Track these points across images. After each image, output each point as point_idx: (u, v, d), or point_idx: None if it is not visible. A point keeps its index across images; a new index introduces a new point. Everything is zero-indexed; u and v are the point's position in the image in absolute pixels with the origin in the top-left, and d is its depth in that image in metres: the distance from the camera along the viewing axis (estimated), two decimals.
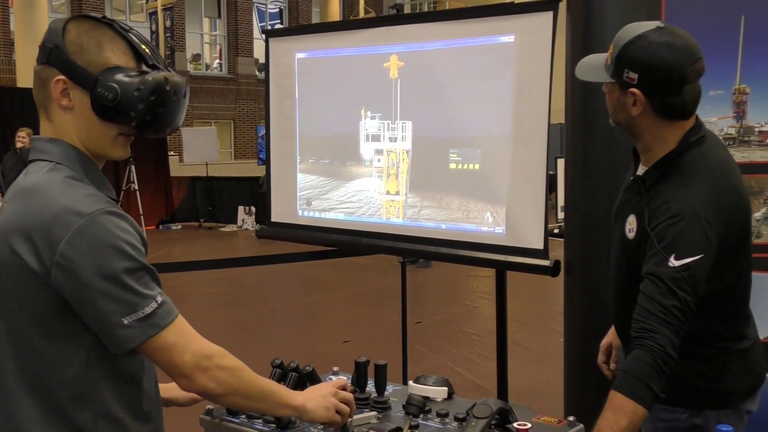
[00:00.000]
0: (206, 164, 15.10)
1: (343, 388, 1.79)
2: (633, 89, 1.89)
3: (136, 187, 13.00)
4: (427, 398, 2.05)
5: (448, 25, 3.67)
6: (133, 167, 13.02)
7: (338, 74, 4.10)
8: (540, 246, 3.39)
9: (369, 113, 3.98)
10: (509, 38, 3.46)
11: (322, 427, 1.87)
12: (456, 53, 3.66)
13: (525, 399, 4.84)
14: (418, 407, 1.82)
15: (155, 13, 16.73)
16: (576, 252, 3.34)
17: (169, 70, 1.56)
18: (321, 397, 1.72)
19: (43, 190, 1.45)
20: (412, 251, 3.92)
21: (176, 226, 14.78)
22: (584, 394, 3.20)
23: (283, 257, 10.38)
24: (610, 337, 2.33)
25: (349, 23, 4.00)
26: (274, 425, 1.88)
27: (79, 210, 1.41)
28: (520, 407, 4.51)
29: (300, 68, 4.25)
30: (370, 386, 2.07)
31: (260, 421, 1.91)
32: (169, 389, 1.86)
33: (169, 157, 15.49)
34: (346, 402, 1.75)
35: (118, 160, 1.62)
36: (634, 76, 1.87)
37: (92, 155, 1.56)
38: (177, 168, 15.76)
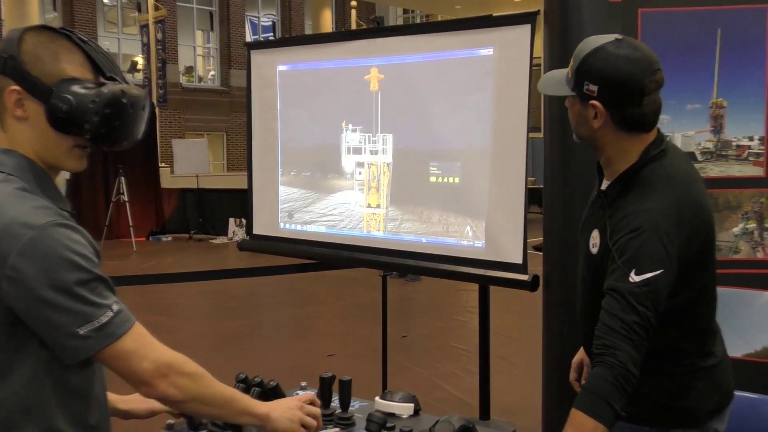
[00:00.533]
0: (197, 176, 15.07)
1: (311, 403, 1.77)
2: (593, 101, 1.88)
3: (126, 199, 12.99)
4: (392, 415, 2.02)
5: (428, 38, 3.67)
6: (122, 179, 13.00)
7: (319, 86, 4.09)
8: (519, 260, 3.38)
9: (350, 126, 3.97)
10: (488, 51, 3.45)
11: None
12: (435, 66, 3.65)
13: (508, 415, 4.82)
14: (378, 424, 1.79)
15: (146, 25, 16.72)
16: (554, 266, 3.32)
17: (127, 83, 1.55)
18: (286, 409, 1.72)
19: None
20: (393, 265, 3.90)
21: (166, 238, 14.73)
22: (562, 409, 3.16)
23: (272, 269, 10.36)
24: (582, 354, 2.31)
25: (330, 36, 4.00)
26: None
27: (29, 222, 1.39)
28: (500, 423, 4.49)
29: (282, 80, 4.24)
30: (336, 402, 2.04)
31: None
32: (127, 401, 1.85)
33: (161, 168, 15.46)
34: (312, 416, 1.74)
35: (73, 171, 1.60)
36: (594, 88, 1.86)
37: (47, 167, 1.54)
38: (168, 179, 15.73)
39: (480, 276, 3.51)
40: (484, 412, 4.71)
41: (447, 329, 7.60)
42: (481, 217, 3.49)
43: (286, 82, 4.23)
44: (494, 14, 3.47)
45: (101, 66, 1.52)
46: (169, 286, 9.67)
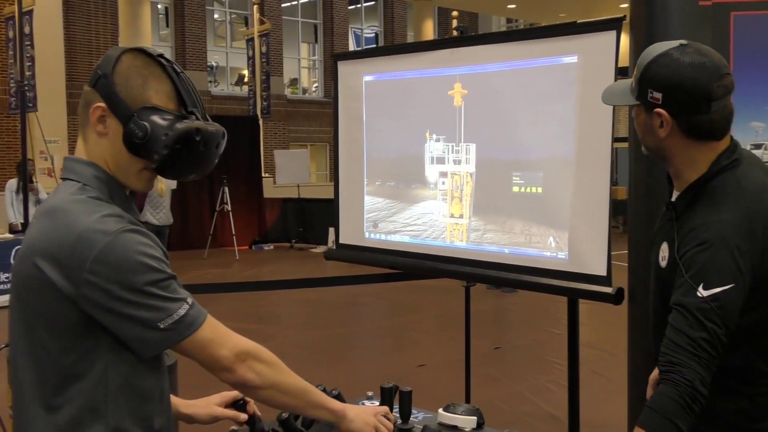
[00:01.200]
0: (298, 186, 15.34)
1: (386, 416, 1.81)
2: (658, 109, 1.81)
3: (229, 208, 13.33)
4: (455, 427, 2.00)
5: (511, 47, 3.62)
6: (226, 189, 13.35)
7: (403, 97, 4.10)
8: (603, 272, 3.29)
9: (434, 135, 3.96)
10: (572, 59, 3.38)
11: None
12: (519, 74, 3.60)
13: (600, 430, 4.69)
14: None
15: (252, 39, 17.17)
16: (639, 279, 3.21)
17: (207, 119, 1.60)
18: (363, 412, 1.77)
19: (68, 211, 1.50)
20: (475, 276, 3.86)
21: (268, 247, 15.05)
22: None
23: (368, 278, 10.40)
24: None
25: (414, 45, 4.01)
26: None
27: (104, 229, 1.46)
28: None
29: (367, 91, 4.27)
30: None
31: None
32: (190, 405, 1.89)
33: (264, 178, 15.82)
34: (386, 428, 1.78)
35: (138, 191, 1.67)
36: (659, 95, 1.80)
37: (117, 181, 1.61)
38: (271, 189, 16.08)
39: (563, 288, 3.43)
40: (573, 428, 4.60)
41: (541, 342, 7.46)
42: (564, 228, 3.42)
43: (371, 93, 4.25)
44: (579, 21, 3.40)
45: (185, 99, 1.58)
46: (267, 293, 9.86)
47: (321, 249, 14.52)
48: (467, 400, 4.26)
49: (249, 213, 14.97)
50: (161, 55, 1.60)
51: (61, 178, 1.61)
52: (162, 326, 1.48)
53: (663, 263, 1.89)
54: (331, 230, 15.73)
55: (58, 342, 1.48)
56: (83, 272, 1.44)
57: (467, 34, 3.92)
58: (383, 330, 8.41)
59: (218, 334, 1.55)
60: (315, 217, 15.07)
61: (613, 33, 3.22)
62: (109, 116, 1.55)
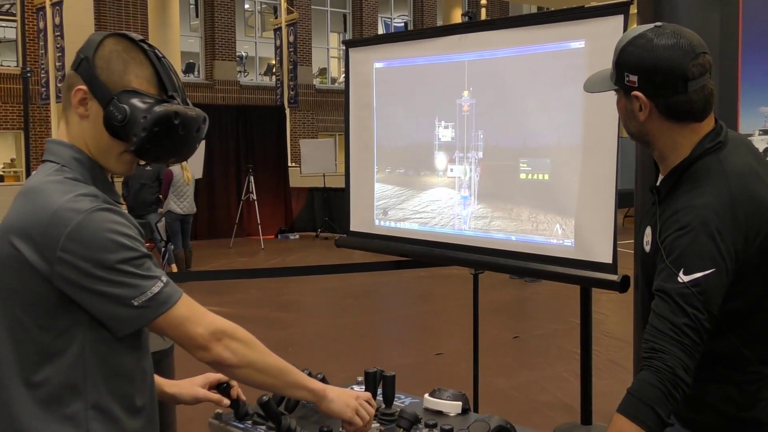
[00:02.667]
0: (324, 175, 15.37)
1: (368, 402, 1.80)
2: (636, 92, 1.78)
3: (255, 198, 13.39)
4: (440, 413, 1.99)
5: (519, 32, 3.59)
6: (252, 178, 13.41)
7: (413, 83, 4.08)
8: (609, 260, 3.26)
9: (442, 122, 3.94)
10: (579, 44, 3.34)
11: None
12: (526, 60, 3.57)
13: None
14: (409, 421, 1.76)
15: (280, 29, 17.21)
16: None
17: (187, 104, 1.62)
18: (344, 393, 1.77)
19: (43, 191, 1.53)
20: (482, 263, 3.84)
21: (294, 236, 15.10)
22: None
23: (391, 264, 10.38)
24: None
25: (422, 32, 3.98)
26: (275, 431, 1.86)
27: (77, 207, 1.48)
28: (602, 429, 4.32)
29: (378, 77, 4.26)
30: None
31: (264, 427, 1.90)
32: (174, 385, 1.91)
33: (289, 168, 15.87)
34: (367, 413, 1.77)
35: (119, 175, 1.69)
36: (634, 78, 1.77)
37: (98, 164, 1.63)
38: (297, 179, 16.12)
39: (569, 275, 3.40)
40: (586, 417, 4.57)
41: (561, 331, 7.40)
42: (570, 215, 3.39)
43: (381, 79, 4.24)
44: (586, 5, 3.35)
45: (166, 84, 1.60)
46: (289, 282, 9.89)
47: None
48: (476, 389, 4.25)
49: (275, 202, 15.02)
50: (143, 40, 1.62)
51: (42, 160, 1.63)
52: (136, 303, 1.48)
53: (647, 248, 1.86)
54: None
55: (35, 320, 1.50)
56: (56, 250, 1.46)
57: (475, 20, 3.89)
58: (403, 318, 8.41)
59: (193, 313, 1.56)
60: (341, 206, 15.00)
61: (621, 17, 3.17)
62: (90, 99, 1.57)
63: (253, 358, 1.62)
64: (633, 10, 3.18)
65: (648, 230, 1.86)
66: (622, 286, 3.23)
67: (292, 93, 16.71)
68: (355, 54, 4.39)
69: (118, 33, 1.62)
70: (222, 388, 1.95)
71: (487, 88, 3.71)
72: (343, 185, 14.38)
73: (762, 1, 3.02)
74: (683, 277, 1.66)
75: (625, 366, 5.98)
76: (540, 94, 3.52)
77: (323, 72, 24.52)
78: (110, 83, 1.56)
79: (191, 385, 1.93)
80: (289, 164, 16.09)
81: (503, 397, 5.23)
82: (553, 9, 3.57)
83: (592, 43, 3.29)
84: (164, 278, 1.53)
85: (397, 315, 8.60)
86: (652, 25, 1.78)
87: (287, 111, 16.45)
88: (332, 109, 23.00)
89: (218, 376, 1.94)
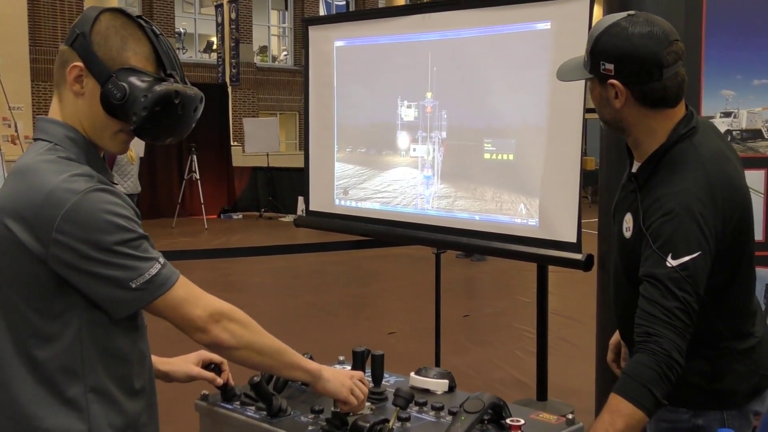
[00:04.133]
0: (267, 155, 15.24)
1: (361, 381, 1.81)
2: (612, 80, 1.81)
3: (198, 177, 13.21)
4: (426, 391, 2.00)
5: (484, 12, 3.60)
6: (194, 157, 13.23)
7: (375, 63, 4.07)
8: (573, 239, 3.32)
9: (405, 102, 3.93)
10: (545, 25, 3.37)
11: (312, 416, 1.84)
12: (491, 41, 3.58)
13: (567, 396, 4.74)
14: (405, 399, 1.77)
15: (221, 5, 16.93)
16: (610, 247, 3.22)
17: (186, 82, 1.58)
18: (339, 374, 1.77)
19: (37, 170, 1.48)
20: (445, 242, 3.87)
21: (237, 216, 14.96)
22: None
23: (336, 245, 10.38)
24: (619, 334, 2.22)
25: (385, 11, 3.97)
26: (265, 413, 1.85)
27: (72, 188, 1.44)
28: (557, 405, 4.41)
29: (338, 56, 4.23)
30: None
31: (253, 408, 1.89)
32: (167, 363, 1.89)
33: (232, 147, 15.68)
34: (361, 392, 1.78)
35: (114, 153, 1.65)
36: (611, 66, 1.80)
37: (92, 143, 1.59)
38: (240, 158, 15.95)
39: (533, 255, 3.45)
40: (542, 393, 4.65)
41: (510, 309, 7.52)
42: (535, 195, 3.43)
43: (342, 58, 4.22)
44: None
45: (164, 61, 1.56)
46: (236, 262, 9.81)
47: (290, 218, 14.45)
48: (437, 366, 4.29)
49: (218, 181, 14.85)
50: (140, 17, 1.58)
51: (33, 139, 1.59)
52: (134, 285, 1.46)
53: (627, 234, 1.90)
54: (301, 199, 15.50)
55: (30, 303, 1.47)
56: (51, 232, 1.42)
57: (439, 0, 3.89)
58: (353, 298, 8.42)
59: (191, 294, 1.54)
60: (284, 185, 14.98)
61: (587, 0, 3.21)
62: (86, 76, 1.53)
63: (251, 339, 1.61)
64: None
65: (629, 216, 1.90)
66: (586, 264, 3.29)
67: (234, 71, 16.50)
68: (314, 32, 4.35)
69: (113, 8, 1.57)
70: (210, 368, 1.92)
71: (451, 68, 3.72)
72: (287, 165, 14.17)
73: None
74: (672, 262, 1.71)
75: (575, 343, 6.11)
76: (505, 75, 3.54)
77: (264, 50, 24.23)
78: (108, 60, 1.51)
79: (185, 363, 1.91)
80: (232, 143, 15.90)
81: (458, 374, 5.21)
82: None
83: (558, 25, 3.32)
84: (162, 260, 1.50)
85: (347, 294, 8.61)
86: (624, 14, 1.82)
87: (229, 89, 16.23)
88: (273, 87, 22.78)
89: (211, 355, 1.92)
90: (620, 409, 1.67)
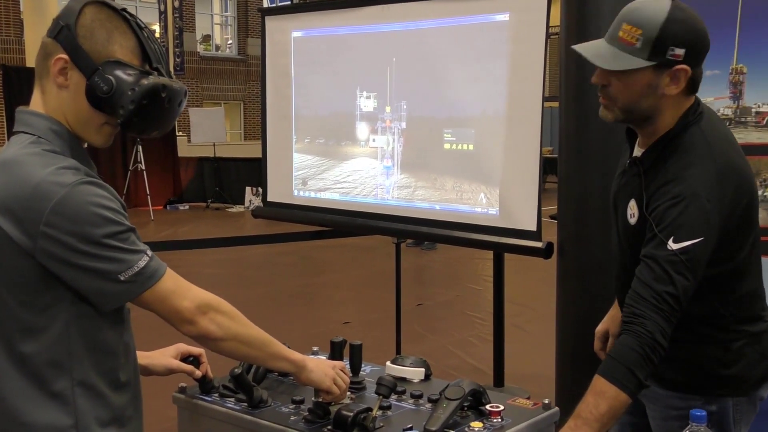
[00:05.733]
0: (214, 145, 15.09)
1: (343, 371, 1.83)
2: (681, 66, 1.77)
3: (143, 167, 13.03)
4: (403, 379, 2.03)
5: (443, 3, 3.63)
6: (140, 147, 13.04)
7: (334, 53, 4.07)
8: (533, 228, 3.37)
9: (365, 93, 3.95)
10: (504, 17, 3.42)
11: (293, 406, 1.85)
12: (451, 32, 3.62)
13: (523, 382, 4.82)
14: (388, 388, 1.79)
15: None
16: (569, 234, 3.30)
17: (171, 76, 1.58)
18: (322, 364, 1.79)
19: (23, 163, 1.47)
20: (406, 232, 3.90)
21: (184, 207, 14.78)
22: (575, 377, 3.17)
23: (287, 236, 10.35)
24: (607, 323, 2.23)
25: (345, 2, 3.96)
26: (245, 404, 1.86)
27: (60, 181, 1.43)
28: (514, 390, 4.48)
29: (296, 47, 4.22)
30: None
31: (232, 399, 1.89)
32: (147, 356, 1.88)
33: (177, 137, 15.48)
34: (343, 382, 1.80)
35: (98, 146, 1.62)
36: (681, 52, 1.75)
37: (75, 136, 1.57)
38: (185, 148, 15.75)
39: (494, 243, 3.51)
40: (498, 379, 4.73)
41: (462, 297, 7.60)
42: (495, 185, 3.48)
43: (300, 49, 4.21)
44: None
45: (150, 55, 1.55)
46: (185, 254, 9.70)
47: (238, 208, 14.37)
48: (398, 354, 4.32)
49: (163, 172, 14.63)
50: (125, 9, 1.57)
51: (14, 131, 1.57)
52: (122, 278, 1.46)
53: (632, 220, 1.89)
54: (248, 190, 15.37)
55: (16, 297, 1.46)
56: (39, 225, 1.41)
57: None
58: (306, 288, 8.41)
59: (179, 286, 1.54)
60: (231, 176, 14.85)
61: None
62: (71, 68, 1.51)
63: (237, 330, 1.62)
64: None
65: (633, 203, 1.88)
66: (546, 252, 3.35)
67: (178, 60, 16.28)
68: (271, 22, 4.33)
69: (97, 0, 1.55)
70: (188, 361, 1.92)
71: (411, 59, 3.74)
72: (233, 155, 14.00)
73: None
74: (672, 245, 1.71)
75: (528, 330, 6.21)
76: (464, 66, 3.58)
77: (207, 39, 23.91)
78: (93, 53, 1.50)
79: (163, 356, 1.91)
80: (177, 133, 15.69)
81: None
82: None
83: (517, 17, 3.37)
84: (149, 252, 1.51)
85: (299, 285, 8.59)
86: (668, 1, 1.79)
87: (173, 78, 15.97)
88: (217, 77, 22.51)
89: (189, 348, 1.92)
90: (604, 391, 1.69)
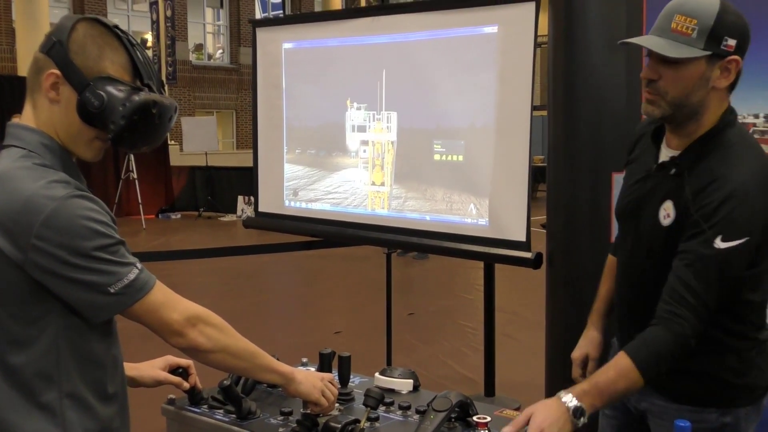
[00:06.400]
0: (206, 154, 15.09)
1: (331, 383, 1.85)
2: (734, 57, 1.77)
3: (135, 176, 13.02)
4: (392, 390, 2.04)
5: (432, 16, 3.66)
6: (132, 156, 13.02)
7: (324, 64, 4.09)
8: (522, 238, 3.39)
9: (355, 104, 3.97)
10: (492, 29, 3.44)
11: (282, 418, 1.86)
12: (440, 44, 3.65)
13: (514, 391, 4.84)
14: (376, 399, 1.81)
15: (156, 2, 16.70)
16: (558, 244, 3.31)
17: (162, 92, 1.60)
18: (311, 376, 1.82)
19: (14, 177, 1.48)
20: (397, 242, 3.92)
21: (175, 216, 14.77)
22: (565, 386, 3.17)
23: (279, 246, 10.34)
24: (585, 348, 2.19)
25: (335, 13, 3.99)
26: (234, 416, 1.87)
27: (51, 194, 1.45)
28: (505, 400, 4.50)
29: (287, 58, 4.24)
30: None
31: (221, 411, 1.90)
32: (135, 368, 1.90)
33: (170, 146, 15.48)
34: (332, 394, 1.82)
35: (88, 161, 1.65)
36: (733, 42, 1.75)
37: (66, 150, 1.59)
38: (177, 157, 15.75)
39: (483, 254, 3.53)
40: (489, 389, 4.75)
41: (453, 307, 7.61)
42: (484, 195, 3.50)
43: (291, 60, 4.23)
44: None
45: (141, 71, 1.57)
46: (177, 263, 9.69)
47: (230, 218, 14.36)
48: (388, 365, 4.34)
49: (155, 181, 14.62)
50: (116, 26, 1.59)
51: (5, 145, 1.58)
52: (112, 290, 1.48)
53: (667, 221, 1.84)
54: (240, 199, 15.32)
55: (6, 309, 1.48)
56: (30, 238, 1.43)
57: (388, 3, 3.93)
58: (297, 298, 8.42)
59: (168, 299, 1.56)
60: (223, 185, 14.85)
61: (532, 4, 3.30)
62: (62, 84, 1.53)
63: (226, 342, 1.64)
64: None
65: (668, 204, 1.84)
66: (535, 262, 3.37)
67: (170, 69, 16.29)
68: (262, 34, 4.36)
69: (89, 17, 1.59)
70: (177, 373, 1.93)
71: (400, 71, 3.77)
72: (225, 164, 14.03)
73: None
74: (720, 244, 1.70)
75: (518, 338, 6.22)
76: (453, 78, 3.61)
77: (199, 48, 23.94)
78: (85, 69, 1.53)
79: (151, 368, 1.93)
80: (169, 142, 15.69)
81: None
82: None
83: (505, 29, 3.40)
84: (139, 264, 1.52)
85: (291, 295, 8.61)
86: None
87: (165, 87, 15.99)
88: (209, 86, 22.53)
89: (177, 360, 1.93)
90: (628, 372, 1.71)
